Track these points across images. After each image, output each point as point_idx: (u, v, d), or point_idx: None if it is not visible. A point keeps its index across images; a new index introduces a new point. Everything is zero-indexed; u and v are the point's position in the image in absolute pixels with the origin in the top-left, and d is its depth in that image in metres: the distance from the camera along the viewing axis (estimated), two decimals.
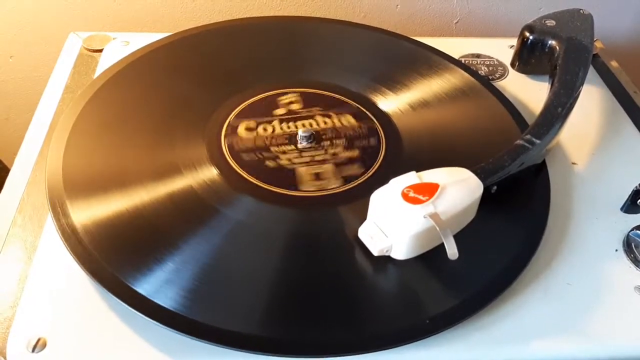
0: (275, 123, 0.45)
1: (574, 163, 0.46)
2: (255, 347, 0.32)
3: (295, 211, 0.39)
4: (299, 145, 0.43)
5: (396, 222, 0.34)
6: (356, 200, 0.39)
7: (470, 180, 0.36)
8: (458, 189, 0.35)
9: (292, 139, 0.43)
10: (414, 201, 0.34)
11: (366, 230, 0.36)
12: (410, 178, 0.35)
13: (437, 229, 0.33)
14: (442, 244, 0.33)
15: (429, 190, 0.34)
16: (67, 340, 0.33)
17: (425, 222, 0.33)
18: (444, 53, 0.53)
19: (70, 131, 0.42)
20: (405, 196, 0.34)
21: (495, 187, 0.38)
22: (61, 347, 0.32)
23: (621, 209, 0.42)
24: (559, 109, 0.42)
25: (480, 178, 0.36)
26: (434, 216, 0.33)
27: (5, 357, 0.32)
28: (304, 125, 0.44)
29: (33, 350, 0.32)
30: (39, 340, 0.32)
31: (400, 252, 0.35)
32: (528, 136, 0.41)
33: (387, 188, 0.35)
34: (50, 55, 0.66)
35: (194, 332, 0.32)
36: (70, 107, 0.44)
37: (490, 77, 0.54)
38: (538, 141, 0.40)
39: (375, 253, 0.35)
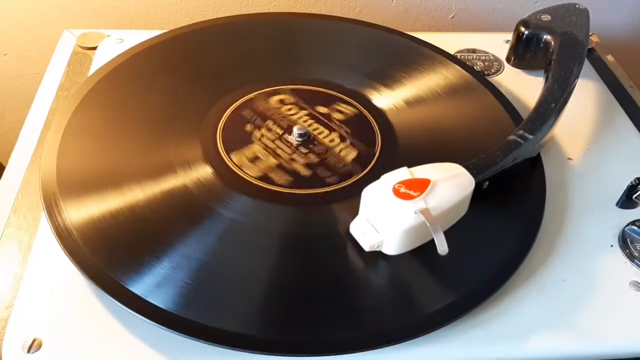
0: (270, 121, 0.45)
1: (569, 158, 0.46)
2: (251, 346, 0.32)
3: (291, 209, 0.39)
4: (294, 143, 0.43)
5: (387, 218, 0.34)
6: (352, 198, 0.39)
7: (461, 176, 0.36)
8: (449, 184, 0.35)
9: (287, 136, 0.43)
10: (405, 197, 0.34)
11: (357, 226, 0.36)
12: (402, 173, 0.35)
13: (428, 224, 0.33)
14: (433, 240, 0.33)
15: (420, 186, 0.34)
16: (63, 340, 0.33)
17: (416, 217, 0.33)
18: (439, 48, 0.53)
19: (64, 130, 0.42)
20: (396, 192, 0.34)
21: (487, 183, 0.38)
22: (57, 347, 0.32)
23: (616, 204, 0.42)
24: (552, 104, 0.42)
25: (471, 174, 0.36)
26: (424, 212, 0.33)
27: (0, 358, 0.32)
28: (298, 123, 0.44)
29: (29, 351, 0.32)
30: (34, 340, 0.32)
31: (391, 247, 0.35)
32: (521, 132, 0.40)
33: (379, 184, 0.35)
34: (44, 53, 0.66)
35: (189, 332, 0.32)
36: (64, 105, 0.44)
37: (486, 73, 0.54)
38: (531, 137, 0.40)
39: (367, 248, 0.35)
